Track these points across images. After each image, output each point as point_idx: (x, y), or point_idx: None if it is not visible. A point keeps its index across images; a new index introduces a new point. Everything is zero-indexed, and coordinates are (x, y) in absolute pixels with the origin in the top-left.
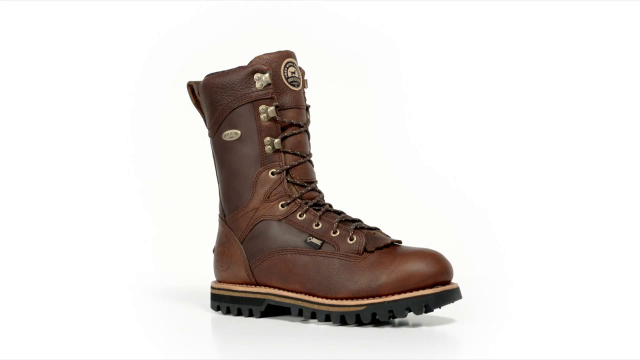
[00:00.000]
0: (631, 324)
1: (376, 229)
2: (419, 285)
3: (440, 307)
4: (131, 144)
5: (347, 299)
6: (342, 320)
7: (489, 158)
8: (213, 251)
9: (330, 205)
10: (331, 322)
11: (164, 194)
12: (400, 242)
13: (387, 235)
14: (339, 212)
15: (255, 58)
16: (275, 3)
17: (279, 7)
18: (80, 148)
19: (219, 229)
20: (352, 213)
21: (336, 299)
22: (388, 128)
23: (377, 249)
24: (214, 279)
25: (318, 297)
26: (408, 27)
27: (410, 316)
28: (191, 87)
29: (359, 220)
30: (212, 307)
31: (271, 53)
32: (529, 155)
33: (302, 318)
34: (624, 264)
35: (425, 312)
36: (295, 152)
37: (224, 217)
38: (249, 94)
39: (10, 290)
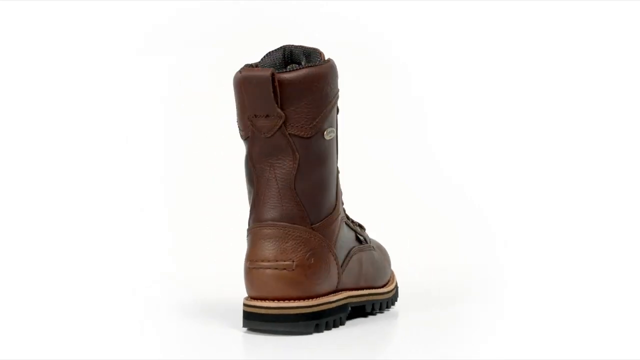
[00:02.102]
0: (631, 323)
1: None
2: None
3: None
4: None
5: (388, 284)
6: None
7: (489, 158)
8: (298, 266)
9: None
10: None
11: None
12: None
13: None
14: None
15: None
16: (275, 3)
17: (278, 7)
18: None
19: (302, 239)
20: (351, 213)
21: (385, 286)
22: (388, 128)
23: None
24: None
25: (377, 288)
26: (408, 27)
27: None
28: (272, 75)
29: None
30: (308, 329)
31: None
32: (529, 155)
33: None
34: (623, 263)
35: None
36: None
37: (309, 224)
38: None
39: (13, 292)
